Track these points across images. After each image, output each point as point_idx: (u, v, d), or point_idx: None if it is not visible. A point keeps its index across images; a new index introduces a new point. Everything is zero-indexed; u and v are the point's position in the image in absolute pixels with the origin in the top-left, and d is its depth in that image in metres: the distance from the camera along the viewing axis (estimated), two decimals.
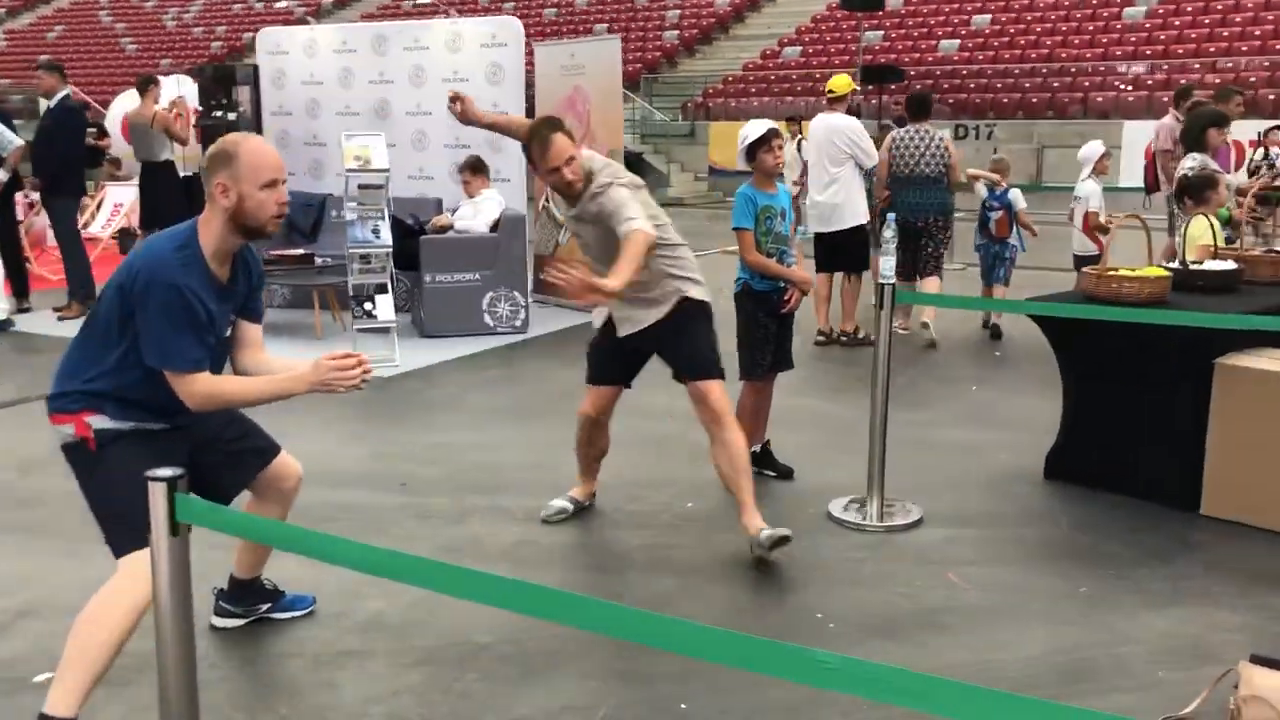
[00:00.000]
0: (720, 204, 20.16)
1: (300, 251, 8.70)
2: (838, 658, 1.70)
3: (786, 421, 5.52)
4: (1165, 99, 19.29)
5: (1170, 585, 3.97)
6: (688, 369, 4.25)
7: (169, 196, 9.76)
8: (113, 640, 2.76)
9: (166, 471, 2.01)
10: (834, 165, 7.75)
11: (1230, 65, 19.74)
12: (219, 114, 10.02)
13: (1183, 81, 19.61)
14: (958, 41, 23.62)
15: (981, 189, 8.45)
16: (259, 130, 10.03)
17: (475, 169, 8.46)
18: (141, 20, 37.46)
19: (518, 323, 8.40)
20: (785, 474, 5.11)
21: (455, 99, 4.38)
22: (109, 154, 14.27)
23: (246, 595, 3.58)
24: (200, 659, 3.38)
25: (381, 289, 7.58)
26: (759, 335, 4.89)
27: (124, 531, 2.80)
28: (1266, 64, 19.58)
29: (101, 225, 12.92)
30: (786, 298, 4.85)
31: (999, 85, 21.70)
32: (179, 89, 10.85)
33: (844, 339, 8.03)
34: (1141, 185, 11.26)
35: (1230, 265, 5.19)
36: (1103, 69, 21.33)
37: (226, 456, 3.19)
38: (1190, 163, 6.49)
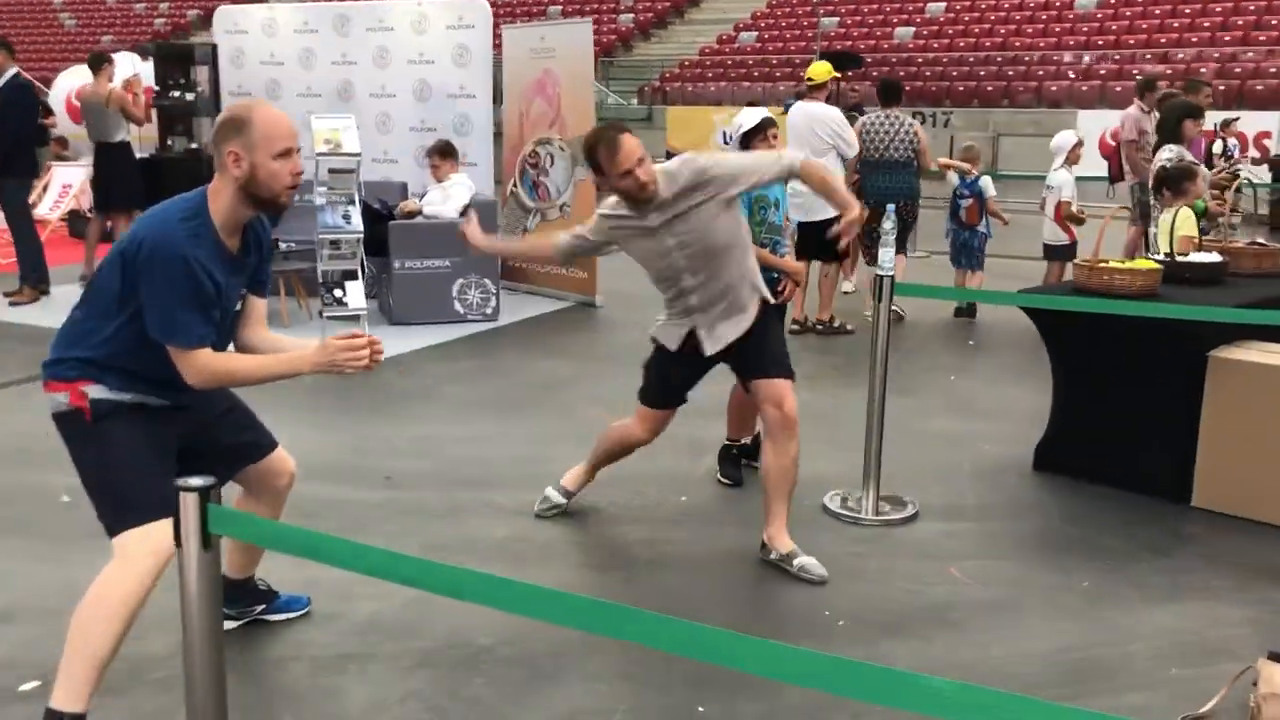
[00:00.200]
0: None
1: None
2: (940, 683, 1.64)
3: None
4: (1119, 89, 19.59)
5: (1169, 580, 3.97)
6: (773, 368, 4.03)
7: (124, 178, 9.48)
8: (114, 627, 2.66)
9: (198, 481, 1.89)
10: (816, 155, 7.70)
11: (1181, 56, 20.00)
12: (177, 94, 9.75)
13: (1136, 72, 19.88)
14: (913, 29, 23.72)
15: (953, 177, 8.51)
16: (218, 111, 9.77)
17: (444, 153, 8.31)
18: None
19: (488, 310, 8.27)
20: None
21: (461, 231, 4.08)
22: (54, 133, 13.85)
23: (240, 597, 3.45)
24: None
25: (351, 275, 7.42)
26: None
27: (120, 510, 2.70)
28: (1216, 55, 19.86)
29: (49, 207, 12.54)
30: (780, 288, 4.79)
31: (954, 73, 21.82)
32: (134, 67, 10.54)
33: (819, 328, 8.01)
34: (1097, 175, 11.40)
35: (1216, 257, 5.22)
36: (1056, 58, 21.53)
37: (224, 445, 3.07)
38: (1167, 154, 6.52)
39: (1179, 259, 5.20)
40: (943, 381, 6.71)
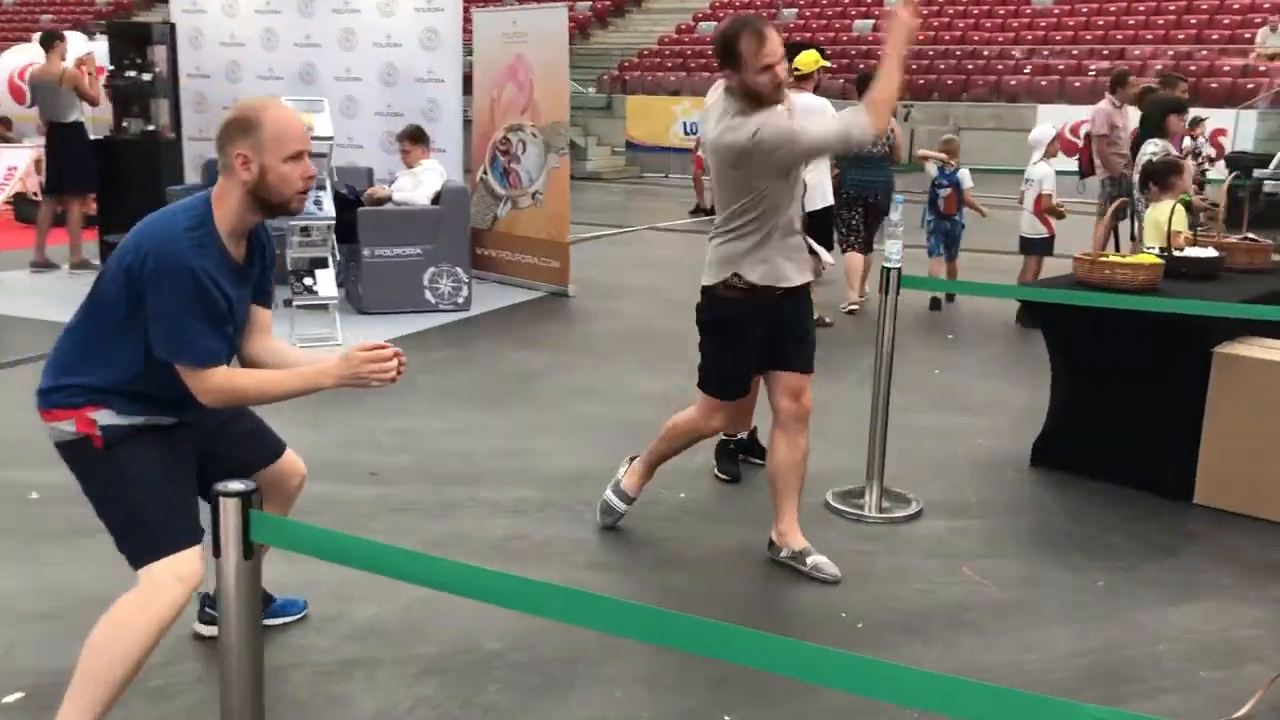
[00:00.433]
0: (639, 179, 19.91)
1: None
2: (986, 687, 1.53)
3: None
4: (1077, 84, 19.74)
5: (1183, 579, 3.92)
6: (804, 361, 3.87)
7: (77, 159, 9.19)
8: (134, 656, 2.49)
9: (237, 485, 1.73)
10: None
11: (1137, 53, 20.20)
12: (132, 74, 9.40)
13: (1092, 69, 20.06)
14: (872, 21, 23.74)
15: (932, 168, 8.51)
16: (175, 93, 9.47)
17: (415, 138, 8.10)
18: None
19: (460, 299, 8.08)
20: None
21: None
22: None
23: None
24: (185, 673, 3.10)
25: (321, 263, 7.20)
26: None
27: (148, 542, 2.51)
28: (1171, 53, 20.08)
29: None
30: None
31: (913, 66, 21.84)
32: (88, 45, 10.17)
33: None
34: (1067, 169, 11.43)
35: (1212, 252, 5.19)
36: (1013, 54, 21.66)
37: (235, 452, 2.88)
38: (1153, 148, 6.51)
39: (1176, 254, 5.17)
40: (927, 375, 6.64)
